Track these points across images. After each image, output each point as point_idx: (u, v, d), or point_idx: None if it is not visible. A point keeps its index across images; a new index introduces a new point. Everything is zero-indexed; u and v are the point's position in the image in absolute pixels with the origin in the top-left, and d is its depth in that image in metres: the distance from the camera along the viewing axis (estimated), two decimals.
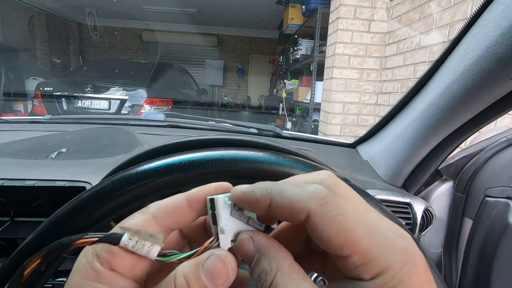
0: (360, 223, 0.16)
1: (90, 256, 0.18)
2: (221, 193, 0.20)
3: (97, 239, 0.18)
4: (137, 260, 0.19)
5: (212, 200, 0.20)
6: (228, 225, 0.19)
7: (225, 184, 0.21)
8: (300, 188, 0.18)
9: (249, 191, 0.19)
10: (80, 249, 0.19)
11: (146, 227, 0.19)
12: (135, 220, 0.19)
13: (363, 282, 0.16)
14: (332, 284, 0.18)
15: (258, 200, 0.18)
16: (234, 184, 0.21)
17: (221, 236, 0.19)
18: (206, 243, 0.19)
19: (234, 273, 0.18)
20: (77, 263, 0.19)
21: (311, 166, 0.29)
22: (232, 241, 0.19)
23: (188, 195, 0.20)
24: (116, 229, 0.19)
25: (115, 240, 0.18)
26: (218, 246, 0.19)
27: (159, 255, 0.19)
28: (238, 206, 0.19)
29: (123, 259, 0.18)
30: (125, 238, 0.18)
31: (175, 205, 0.20)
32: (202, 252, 0.19)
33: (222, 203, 0.19)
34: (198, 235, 0.23)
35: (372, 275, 0.16)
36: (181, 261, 0.19)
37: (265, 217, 0.20)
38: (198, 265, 0.18)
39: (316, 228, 0.17)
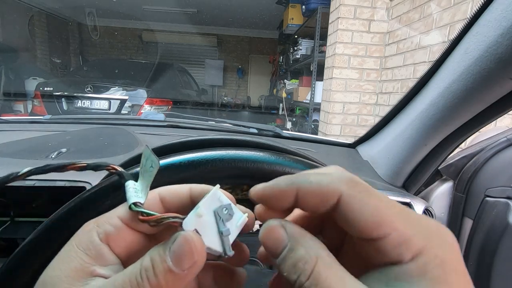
0: (393, 205, 0.16)
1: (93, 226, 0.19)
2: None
3: (85, 164, 0.21)
4: (136, 238, 0.19)
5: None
6: (206, 213, 0.18)
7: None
8: (324, 175, 0.17)
9: (272, 184, 0.18)
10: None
11: (151, 205, 0.20)
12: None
13: (403, 265, 0.15)
14: (366, 277, 0.16)
15: (283, 192, 0.18)
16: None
17: (191, 215, 0.18)
18: (167, 215, 0.18)
19: (202, 255, 0.17)
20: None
21: (311, 166, 0.29)
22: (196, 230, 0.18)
23: (194, 190, 0.21)
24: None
25: (118, 180, 0.22)
26: (181, 225, 0.18)
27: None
28: (228, 212, 0.19)
29: (124, 236, 0.19)
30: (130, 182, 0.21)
31: (180, 192, 0.21)
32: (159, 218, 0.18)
33: (214, 196, 0.19)
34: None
35: (412, 255, 0.15)
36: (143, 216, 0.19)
37: (286, 211, 0.19)
38: (166, 247, 0.17)
39: (349, 210, 0.16)
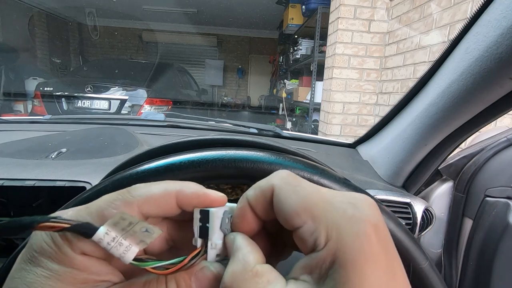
0: (317, 194, 0.17)
1: (58, 239, 0.17)
2: (214, 206, 0.20)
3: (68, 226, 0.16)
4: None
5: (204, 212, 0.19)
6: (220, 241, 0.19)
7: (218, 197, 0.20)
8: (268, 176, 0.20)
9: (237, 206, 0.20)
10: None
11: (126, 211, 0.18)
12: (116, 203, 0.18)
13: (319, 252, 0.16)
14: (296, 268, 0.18)
15: (242, 210, 0.19)
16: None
17: (211, 251, 0.19)
18: (193, 254, 0.19)
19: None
20: (36, 239, 0.17)
21: (311, 166, 0.29)
22: (217, 255, 0.19)
23: (181, 195, 0.20)
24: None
25: (89, 232, 0.16)
26: (205, 258, 0.19)
27: (135, 259, 0.17)
28: (230, 222, 0.20)
29: (97, 247, 0.17)
30: (101, 231, 0.16)
31: (163, 198, 0.19)
32: (187, 263, 0.18)
33: (217, 217, 0.19)
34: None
35: (324, 242, 0.16)
36: (156, 269, 0.17)
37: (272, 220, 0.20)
38: (191, 274, 0.18)
39: (278, 201, 0.18)
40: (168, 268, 0.18)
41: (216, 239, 0.19)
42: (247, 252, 0.18)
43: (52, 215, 0.17)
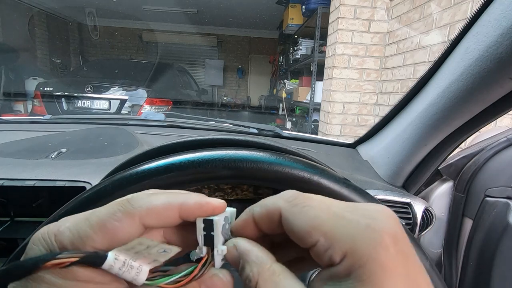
0: (326, 211, 0.17)
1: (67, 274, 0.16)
2: (216, 214, 0.20)
3: (76, 259, 0.15)
4: None
5: (207, 221, 0.19)
6: (224, 246, 0.19)
7: (220, 204, 0.21)
8: (271, 198, 0.20)
9: (240, 217, 0.20)
10: None
11: (126, 225, 0.18)
12: (117, 215, 0.18)
13: (334, 267, 0.16)
14: (315, 280, 0.17)
15: (245, 221, 0.20)
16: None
17: (217, 257, 0.19)
18: (202, 263, 0.19)
19: None
20: (34, 254, 0.17)
21: (311, 166, 0.29)
22: (222, 259, 0.20)
23: (184, 207, 0.19)
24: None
25: (98, 261, 0.16)
26: (213, 265, 0.19)
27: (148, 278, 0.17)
28: (229, 226, 0.20)
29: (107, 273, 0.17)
30: (110, 258, 0.16)
31: (166, 211, 0.19)
32: (198, 273, 0.18)
33: (220, 225, 0.20)
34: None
35: (340, 257, 0.15)
36: (169, 284, 0.17)
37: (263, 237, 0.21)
38: (200, 283, 0.19)
39: (287, 223, 0.18)
40: (180, 281, 0.18)
41: (220, 245, 0.19)
42: (259, 252, 0.18)
43: (51, 225, 0.17)
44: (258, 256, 0.18)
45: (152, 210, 0.18)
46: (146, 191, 0.20)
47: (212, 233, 0.19)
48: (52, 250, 0.17)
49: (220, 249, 0.19)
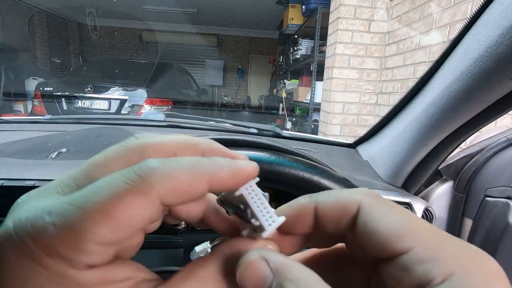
0: (418, 218, 0.14)
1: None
2: (251, 179, 0.16)
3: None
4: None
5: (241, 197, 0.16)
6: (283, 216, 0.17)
7: (252, 168, 0.16)
8: (343, 190, 0.17)
9: (290, 203, 0.17)
10: None
11: (140, 210, 0.13)
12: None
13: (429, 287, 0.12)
14: None
15: (302, 208, 0.16)
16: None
17: (272, 225, 0.16)
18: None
19: None
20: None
21: (311, 166, 0.29)
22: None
23: (214, 179, 0.14)
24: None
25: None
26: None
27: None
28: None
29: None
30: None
31: (192, 186, 0.14)
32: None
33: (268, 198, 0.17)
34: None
35: (444, 276, 0.12)
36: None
37: (302, 239, 0.18)
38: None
39: (369, 219, 0.15)
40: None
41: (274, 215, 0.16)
42: (306, 271, 0.14)
43: (24, 218, 0.14)
44: (304, 272, 0.13)
45: (176, 187, 0.13)
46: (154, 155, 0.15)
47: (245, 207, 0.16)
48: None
49: (279, 220, 0.16)
